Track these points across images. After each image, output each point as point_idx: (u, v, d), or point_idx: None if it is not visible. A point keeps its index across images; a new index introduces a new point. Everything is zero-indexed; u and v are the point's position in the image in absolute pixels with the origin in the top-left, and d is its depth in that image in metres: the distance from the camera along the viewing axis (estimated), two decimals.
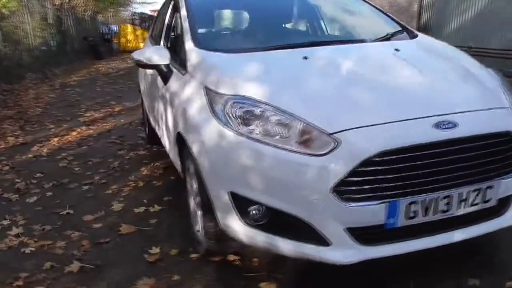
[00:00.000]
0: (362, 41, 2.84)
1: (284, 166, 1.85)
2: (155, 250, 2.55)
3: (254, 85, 2.11)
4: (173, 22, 3.33)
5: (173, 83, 2.69)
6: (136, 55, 2.81)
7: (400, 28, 3.00)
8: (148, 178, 3.79)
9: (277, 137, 1.90)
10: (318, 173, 1.80)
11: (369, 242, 1.88)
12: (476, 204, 1.94)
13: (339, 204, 1.80)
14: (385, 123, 1.87)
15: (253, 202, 1.95)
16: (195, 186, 2.37)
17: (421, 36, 2.92)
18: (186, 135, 2.31)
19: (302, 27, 3.54)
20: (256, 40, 2.96)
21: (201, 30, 2.87)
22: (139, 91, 4.79)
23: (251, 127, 1.96)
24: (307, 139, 1.87)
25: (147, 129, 4.66)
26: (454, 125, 1.87)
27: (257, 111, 1.98)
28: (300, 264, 2.27)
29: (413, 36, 2.88)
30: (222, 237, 2.19)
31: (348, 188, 1.79)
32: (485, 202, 1.96)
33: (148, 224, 2.91)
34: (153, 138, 4.15)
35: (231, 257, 2.41)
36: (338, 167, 1.78)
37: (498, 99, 2.13)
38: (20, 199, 3.53)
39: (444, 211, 1.89)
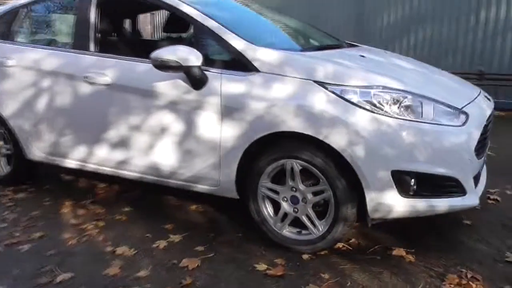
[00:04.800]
0: (339, 46, 3.35)
1: (443, 138, 2.27)
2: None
3: (377, 76, 2.38)
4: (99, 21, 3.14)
5: (228, 85, 2.51)
6: (164, 54, 2.46)
7: (337, 40, 3.66)
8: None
9: (425, 116, 2.29)
10: (467, 139, 2.32)
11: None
12: None
13: (476, 160, 2.38)
14: (473, 100, 2.56)
15: (414, 174, 2.26)
16: (299, 186, 2.44)
17: (360, 45, 3.67)
18: (315, 131, 2.30)
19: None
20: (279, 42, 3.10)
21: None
22: None
23: (402, 111, 2.27)
24: (449, 115, 2.34)
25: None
26: None
27: (402, 97, 2.30)
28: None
29: (352, 45, 3.60)
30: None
31: (477, 146, 2.40)
32: None
33: None
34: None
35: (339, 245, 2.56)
36: (475, 132, 2.36)
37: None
38: None
39: None
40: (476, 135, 2.36)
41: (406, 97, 2.30)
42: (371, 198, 2.29)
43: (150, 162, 2.86)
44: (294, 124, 2.35)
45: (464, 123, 2.34)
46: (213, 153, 2.62)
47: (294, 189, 2.48)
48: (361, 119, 2.24)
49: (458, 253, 2.49)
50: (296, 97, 2.36)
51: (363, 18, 8.15)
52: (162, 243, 2.67)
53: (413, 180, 2.28)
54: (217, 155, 2.61)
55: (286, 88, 2.39)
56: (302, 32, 3.61)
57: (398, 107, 2.28)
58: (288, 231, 2.58)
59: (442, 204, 2.34)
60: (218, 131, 2.56)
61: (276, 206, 2.60)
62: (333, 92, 2.31)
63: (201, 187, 2.79)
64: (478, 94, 2.71)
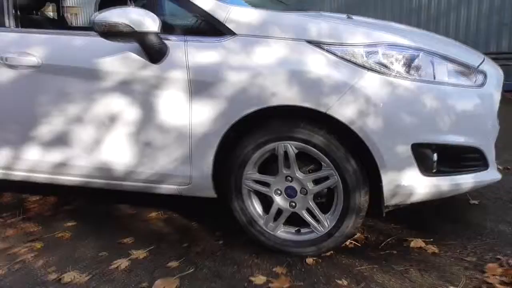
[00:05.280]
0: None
1: (464, 101, 1.90)
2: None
3: (382, 33, 1.96)
4: None
5: (197, 55, 1.98)
6: (112, 17, 1.89)
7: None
8: None
9: (442, 77, 1.90)
10: (489, 102, 1.97)
11: None
12: None
13: (497, 126, 2.04)
14: (484, 60, 2.21)
15: (435, 147, 1.87)
16: (296, 174, 1.96)
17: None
18: (315, 103, 1.83)
19: None
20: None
21: None
22: None
23: (417, 71, 1.87)
24: (467, 75, 1.97)
25: None
26: None
27: (415, 55, 1.89)
28: None
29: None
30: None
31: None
32: None
33: None
34: None
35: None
36: (495, 93, 2.01)
37: None
38: None
39: None
40: (497, 96, 2.02)
41: (418, 56, 1.90)
42: (388, 180, 1.86)
43: (97, 161, 2.24)
44: (287, 95, 1.86)
45: (483, 84, 1.98)
46: (181, 143, 2.07)
47: (290, 178, 2.00)
48: (372, 83, 1.81)
49: (483, 238, 2.13)
50: (286, 62, 1.88)
51: None
52: (123, 263, 2.07)
53: (435, 154, 1.88)
54: (187, 145, 2.06)
55: (273, 52, 1.90)
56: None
57: (412, 68, 1.87)
58: (283, 232, 2.09)
59: (467, 181, 1.96)
60: (187, 113, 2.02)
61: (266, 202, 2.11)
62: (333, 53, 1.86)
63: (167, 188, 2.22)
64: (484, 58, 2.38)
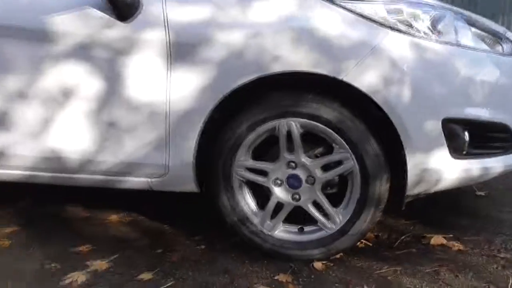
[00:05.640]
0: None
1: (497, 70, 1.63)
2: None
3: None
4: None
5: (178, 10, 1.58)
6: None
7: None
8: None
9: (471, 41, 1.63)
10: None
11: None
12: None
13: None
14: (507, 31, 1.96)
15: (466, 124, 1.58)
16: (301, 159, 1.60)
17: None
18: (331, 68, 1.48)
19: None
20: None
21: None
22: None
23: (445, 34, 1.58)
24: (495, 42, 1.72)
25: None
26: None
27: (442, 15, 1.60)
28: None
29: None
30: None
31: None
32: None
33: None
34: None
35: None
36: None
37: None
38: None
39: None
40: None
41: (445, 16, 1.61)
42: (414, 163, 1.54)
43: (45, 149, 1.76)
44: (294, 60, 1.51)
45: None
46: (155, 123, 1.66)
47: (293, 164, 1.63)
48: (397, 45, 1.50)
49: (506, 231, 1.87)
50: (293, 19, 1.52)
51: None
52: (79, 276, 1.61)
53: (466, 132, 1.58)
54: (163, 125, 1.65)
55: (275, 6, 1.54)
56: None
57: (439, 29, 1.58)
58: (283, 231, 1.71)
59: (496, 165, 1.69)
60: (164, 85, 1.61)
61: (261, 197, 1.73)
62: (349, 10, 1.52)
63: (135, 181, 1.79)
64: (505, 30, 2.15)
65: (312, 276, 1.57)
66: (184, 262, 1.70)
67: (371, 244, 1.79)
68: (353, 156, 1.56)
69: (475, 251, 1.71)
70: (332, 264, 1.64)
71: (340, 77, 1.48)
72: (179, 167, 1.70)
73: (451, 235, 1.82)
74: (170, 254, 1.76)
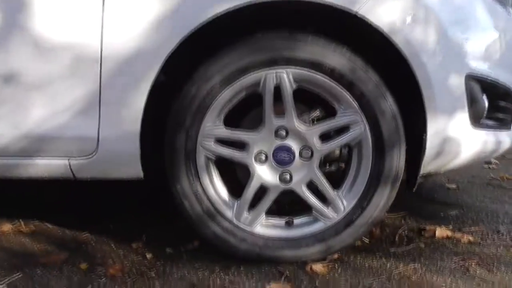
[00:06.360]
0: None
1: None
2: None
3: None
4: None
5: None
6: None
7: None
8: None
9: None
10: None
11: None
12: None
13: None
14: None
15: (484, 85, 1.30)
16: (295, 124, 1.18)
17: None
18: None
19: None
20: None
21: None
22: None
23: None
24: None
25: None
26: None
27: None
28: None
29: None
30: None
31: None
32: None
33: None
34: None
35: None
36: None
37: None
38: None
39: None
40: None
41: None
42: (435, 130, 1.21)
43: None
44: None
45: None
46: (80, 74, 1.13)
47: (283, 132, 1.20)
48: None
49: (504, 220, 1.63)
50: None
51: None
52: None
53: (485, 96, 1.30)
54: (92, 78, 1.14)
55: None
56: None
57: None
58: (266, 226, 1.26)
59: (507, 139, 1.43)
60: (96, 15, 1.10)
61: (233, 182, 1.27)
62: None
63: (46, 165, 1.22)
64: None
65: (316, 283, 1.14)
66: (126, 280, 1.16)
67: (367, 241, 1.41)
68: (364, 119, 1.18)
69: (488, 242, 1.42)
70: (335, 266, 1.23)
71: (354, 10, 1.10)
72: (115, 142, 1.18)
73: (450, 227, 1.53)
74: (101, 269, 1.21)
